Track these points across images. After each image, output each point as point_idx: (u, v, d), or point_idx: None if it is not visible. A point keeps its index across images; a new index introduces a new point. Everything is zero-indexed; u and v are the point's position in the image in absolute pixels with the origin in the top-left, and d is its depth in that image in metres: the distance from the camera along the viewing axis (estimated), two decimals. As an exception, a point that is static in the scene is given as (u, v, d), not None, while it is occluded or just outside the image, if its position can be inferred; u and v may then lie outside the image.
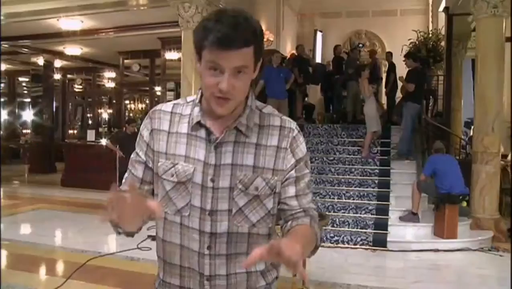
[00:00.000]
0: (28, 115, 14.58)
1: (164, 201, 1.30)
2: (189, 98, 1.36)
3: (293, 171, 1.32)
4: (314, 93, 12.59)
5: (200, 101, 1.29)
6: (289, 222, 1.31)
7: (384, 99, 11.32)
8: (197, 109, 1.28)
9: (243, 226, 1.27)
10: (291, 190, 1.31)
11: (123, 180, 1.39)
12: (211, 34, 1.13)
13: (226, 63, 1.15)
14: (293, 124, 1.34)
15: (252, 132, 1.28)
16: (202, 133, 1.27)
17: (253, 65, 1.21)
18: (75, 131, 16.10)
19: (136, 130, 8.06)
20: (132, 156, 1.39)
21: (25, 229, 6.62)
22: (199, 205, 1.25)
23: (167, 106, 1.35)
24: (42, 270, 4.88)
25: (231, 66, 1.15)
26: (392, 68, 9.58)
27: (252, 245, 1.28)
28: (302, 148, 1.33)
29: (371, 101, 7.58)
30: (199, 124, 1.27)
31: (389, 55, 10.18)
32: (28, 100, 14.58)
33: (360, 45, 11.99)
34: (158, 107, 1.37)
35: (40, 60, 12.36)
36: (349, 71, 9.32)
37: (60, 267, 5.03)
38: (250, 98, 1.30)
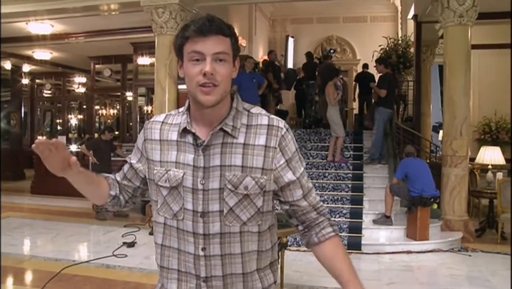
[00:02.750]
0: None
1: (163, 207, 1.37)
2: (181, 109, 1.42)
3: (291, 173, 1.36)
4: (286, 99, 12.71)
5: (188, 109, 1.36)
6: (313, 233, 1.40)
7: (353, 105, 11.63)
8: (185, 116, 1.35)
9: (235, 225, 1.31)
10: (299, 193, 1.39)
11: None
12: (190, 27, 1.26)
13: (206, 49, 1.24)
14: (281, 123, 1.37)
15: (239, 132, 1.31)
16: (189, 138, 1.33)
17: (232, 58, 1.30)
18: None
19: (112, 137, 7.99)
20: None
21: (-6, 239, 6.44)
22: (191, 208, 1.31)
23: (159, 117, 1.44)
24: (14, 280, 4.76)
25: (211, 51, 1.24)
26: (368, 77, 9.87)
27: (245, 244, 1.33)
28: (291, 146, 1.37)
29: (335, 107, 7.67)
30: (185, 130, 1.33)
31: (364, 66, 10.51)
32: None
33: (332, 51, 12.16)
34: (152, 118, 1.47)
35: (8, 65, 12.04)
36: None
37: (33, 277, 4.91)
38: (236, 100, 1.37)
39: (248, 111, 1.37)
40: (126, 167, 1.51)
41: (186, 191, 1.31)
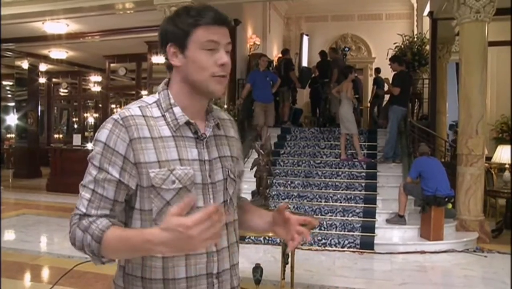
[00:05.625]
0: (12, 119, 14.41)
1: (163, 214, 1.19)
2: (148, 100, 1.29)
3: (242, 163, 1.47)
4: (301, 97, 12.66)
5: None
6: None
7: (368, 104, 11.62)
8: (177, 109, 1.26)
9: (232, 213, 1.34)
10: (239, 184, 1.48)
11: (86, 202, 1.19)
12: (205, 14, 1.22)
13: (222, 39, 1.23)
14: (231, 117, 1.48)
15: (220, 125, 1.36)
16: (187, 132, 1.26)
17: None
18: (61, 136, 15.97)
19: None
20: (95, 173, 1.19)
21: (9, 235, 6.52)
22: (203, 204, 1.25)
23: (134, 111, 1.24)
24: (28, 276, 4.83)
25: (226, 41, 1.24)
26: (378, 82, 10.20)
27: (236, 231, 1.38)
28: None
29: (349, 104, 7.63)
30: (185, 124, 1.26)
31: (376, 70, 10.86)
32: (12, 104, 14.40)
33: (346, 48, 12.06)
34: (127, 113, 1.22)
35: (25, 64, 12.22)
36: (334, 71, 9.45)
37: (46, 273, 4.98)
38: None
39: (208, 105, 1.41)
40: (109, 190, 1.18)
41: (197, 188, 1.24)
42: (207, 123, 1.31)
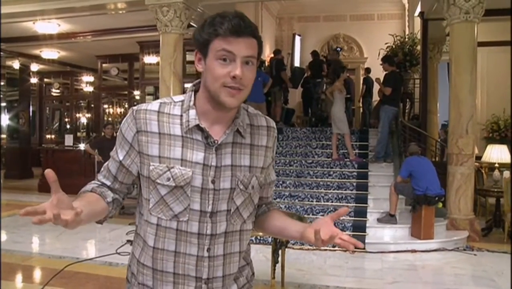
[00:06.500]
0: (3, 119, 14.31)
1: (158, 206, 1.27)
2: (176, 98, 1.33)
3: (273, 172, 1.46)
4: (293, 97, 12.70)
5: (194, 104, 1.29)
6: (262, 206, 1.49)
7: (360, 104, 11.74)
8: (192, 112, 1.27)
9: (237, 223, 1.32)
10: (271, 192, 1.49)
11: (102, 169, 1.37)
12: (224, 24, 1.19)
13: (238, 51, 1.19)
14: (274, 124, 1.44)
15: (246, 132, 1.33)
16: (198, 136, 1.26)
17: (256, 60, 1.25)
18: (53, 136, 15.87)
19: (114, 133, 8.02)
20: (112, 151, 1.35)
21: (1, 236, 6.49)
22: (199, 208, 1.26)
23: (153, 106, 1.30)
24: (19, 277, 4.81)
25: (243, 54, 1.20)
26: (369, 82, 10.48)
27: (243, 242, 1.36)
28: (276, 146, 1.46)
29: (341, 104, 7.67)
30: (196, 127, 1.26)
31: (366, 70, 11.21)
32: (3, 104, 14.30)
33: (338, 48, 12.11)
34: (143, 106, 1.30)
35: (16, 64, 12.15)
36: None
37: (37, 274, 4.96)
38: None
39: (247, 110, 1.38)
40: (113, 166, 1.33)
41: (194, 191, 1.25)
42: (226, 130, 1.29)
